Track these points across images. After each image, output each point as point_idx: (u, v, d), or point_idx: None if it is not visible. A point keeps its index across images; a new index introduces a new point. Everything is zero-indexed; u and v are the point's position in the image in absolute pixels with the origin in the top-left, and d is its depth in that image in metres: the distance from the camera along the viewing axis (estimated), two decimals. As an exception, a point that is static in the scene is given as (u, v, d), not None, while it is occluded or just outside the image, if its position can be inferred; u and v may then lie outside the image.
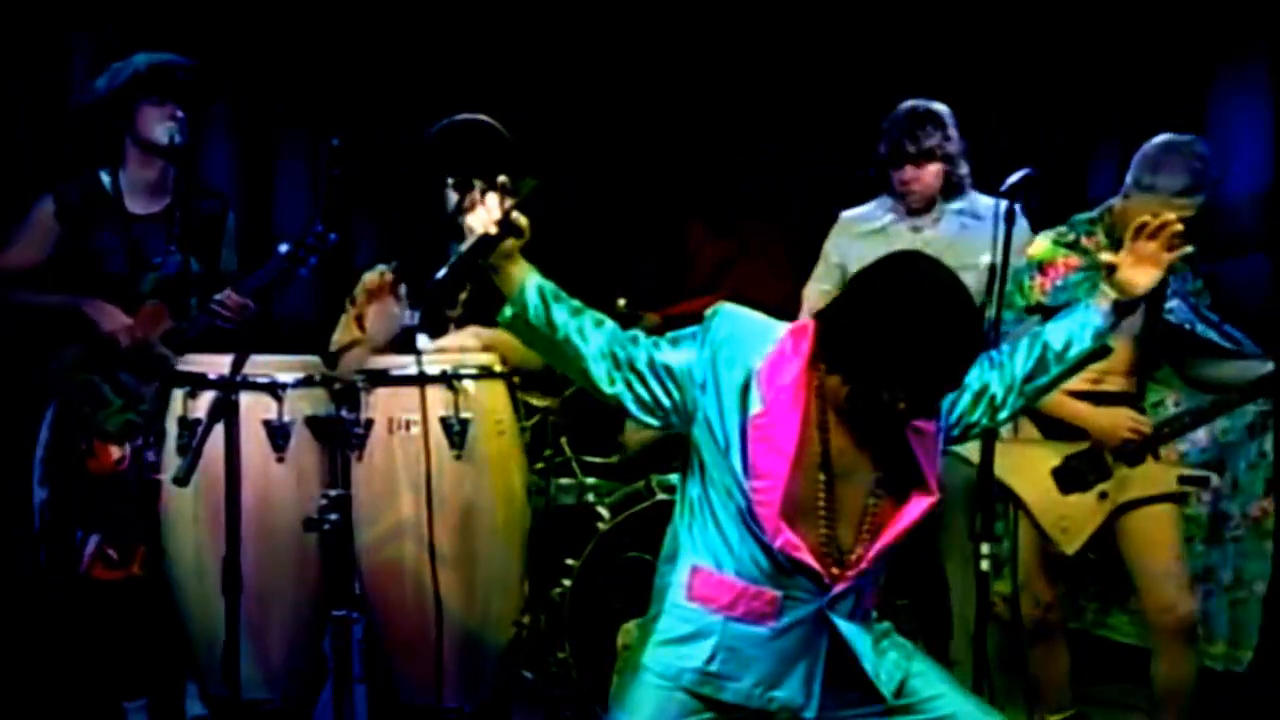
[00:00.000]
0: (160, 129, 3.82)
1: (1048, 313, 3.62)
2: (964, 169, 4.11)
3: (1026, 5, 5.05)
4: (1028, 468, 3.65)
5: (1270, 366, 3.70)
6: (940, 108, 4.07)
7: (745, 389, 2.56)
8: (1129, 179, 3.61)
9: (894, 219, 4.18)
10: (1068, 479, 3.69)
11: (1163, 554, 3.64)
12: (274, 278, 3.69)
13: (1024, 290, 3.69)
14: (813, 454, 2.57)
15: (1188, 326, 3.72)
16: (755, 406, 2.55)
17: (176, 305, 3.87)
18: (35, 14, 4.49)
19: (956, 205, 4.12)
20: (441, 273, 2.68)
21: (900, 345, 2.43)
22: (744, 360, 2.58)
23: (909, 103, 4.09)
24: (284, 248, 3.35)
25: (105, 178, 3.89)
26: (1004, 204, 3.18)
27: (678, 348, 2.63)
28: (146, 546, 3.66)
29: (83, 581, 3.71)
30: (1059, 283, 3.67)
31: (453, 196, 3.79)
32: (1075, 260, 3.67)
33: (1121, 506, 3.66)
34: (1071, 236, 3.71)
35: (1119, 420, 3.64)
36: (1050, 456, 3.70)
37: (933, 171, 4.06)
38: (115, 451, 3.74)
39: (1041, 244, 3.72)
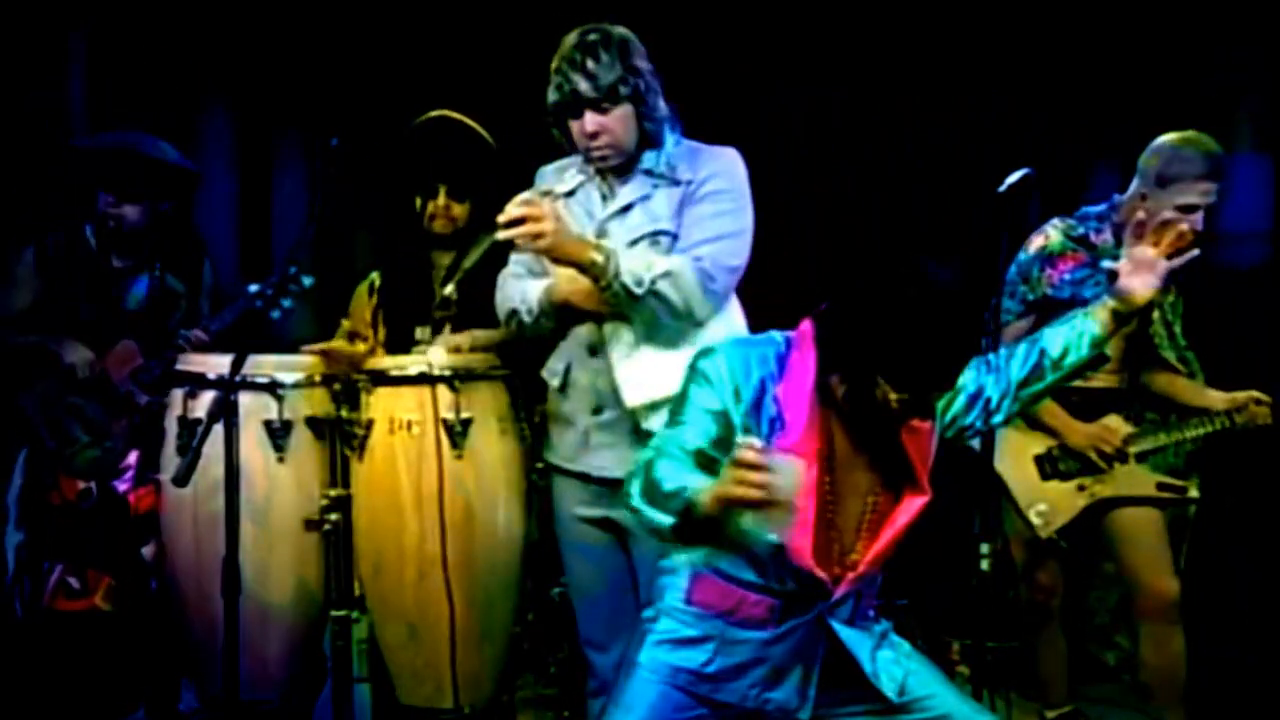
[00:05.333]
0: (112, 218, 3.97)
1: (1045, 310, 3.66)
2: (660, 112, 3.13)
3: (1028, 6, 5.06)
4: (1012, 452, 3.68)
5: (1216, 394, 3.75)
6: (619, 30, 3.10)
7: (766, 412, 2.54)
8: (1143, 181, 3.63)
9: (584, 180, 3.21)
10: (1049, 467, 3.73)
11: (1145, 539, 3.68)
12: (240, 318, 3.75)
13: (1032, 282, 3.70)
14: (820, 460, 2.57)
15: (1155, 341, 3.75)
16: (778, 430, 2.53)
17: (158, 327, 3.96)
18: (33, 19, 4.50)
19: (647, 162, 3.14)
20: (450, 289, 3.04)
21: (895, 340, 2.43)
22: (762, 386, 2.55)
23: (576, 31, 3.12)
24: (253, 288, 3.34)
25: (90, 233, 4.04)
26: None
27: (703, 417, 2.53)
28: (113, 579, 3.69)
29: (46, 613, 3.73)
30: (1065, 277, 3.68)
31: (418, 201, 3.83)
32: (1083, 256, 3.67)
33: (1103, 503, 3.69)
34: (1081, 231, 3.71)
35: (1093, 435, 3.68)
36: (1035, 444, 3.74)
37: (621, 117, 3.09)
38: (79, 484, 3.78)
39: (1053, 236, 3.72)
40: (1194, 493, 3.78)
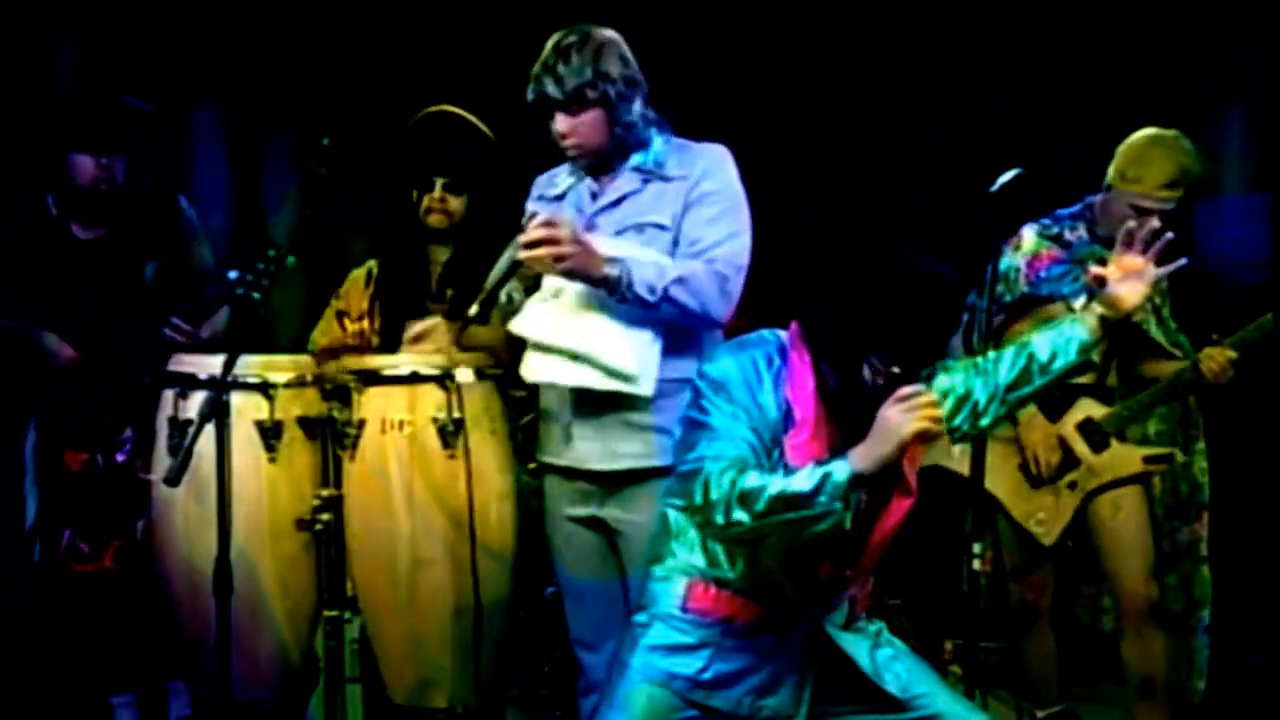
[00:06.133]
0: (88, 178, 3.80)
1: (1025, 309, 3.68)
2: (633, 117, 3.14)
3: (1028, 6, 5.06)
4: (998, 464, 3.69)
5: None
6: (601, 33, 3.11)
7: (781, 409, 2.57)
8: (1112, 172, 3.69)
9: (575, 180, 3.27)
10: (1037, 474, 3.74)
11: (1130, 536, 3.71)
12: (223, 304, 3.65)
13: (1010, 283, 3.75)
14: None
15: (1143, 326, 3.75)
16: (791, 427, 2.55)
17: (167, 310, 3.81)
18: (20, 14, 4.49)
19: (635, 160, 3.18)
20: (474, 310, 2.96)
21: (878, 312, 2.48)
22: (775, 385, 2.57)
23: (559, 33, 3.15)
24: (233, 274, 3.29)
25: (53, 207, 3.88)
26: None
27: (734, 425, 2.54)
28: (120, 541, 3.70)
29: (58, 575, 3.75)
30: (1042, 274, 3.74)
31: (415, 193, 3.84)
32: (1058, 253, 3.75)
33: (1091, 492, 3.70)
34: (1055, 230, 3.78)
35: (1040, 445, 3.72)
36: (1017, 452, 3.74)
37: (589, 121, 3.12)
38: (84, 456, 3.78)
39: (1028, 237, 3.77)
40: (1181, 457, 3.83)
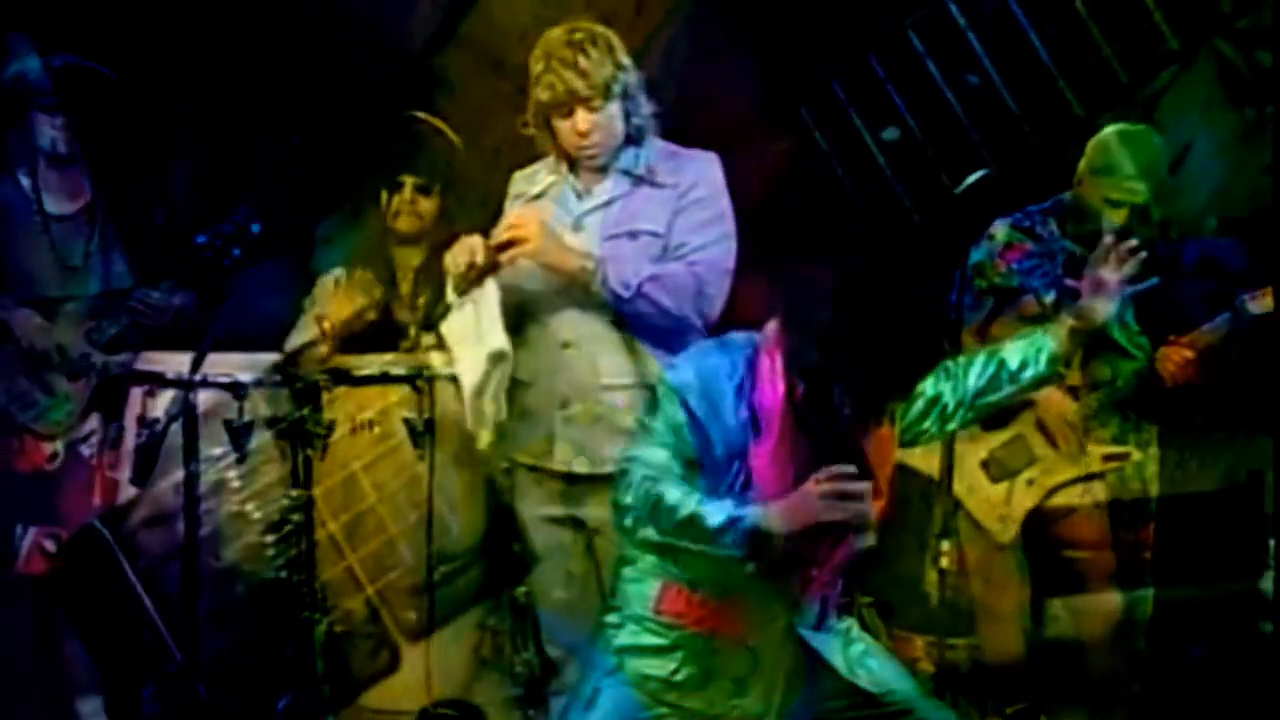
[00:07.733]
0: (45, 136, 3.81)
1: (997, 299, 3.75)
2: (644, 110, 3.11)
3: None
4: (958, 463, 3.69)
5: None
6: (601, 28, 3.09)
7: (741, 418, 2.55)
8: (1082, 166, 3.74)
9: (555, 179, 3.18)
10: (997, 470, 3.76)
11: (1090, 538, 3.70)
12: (193, 271, 3.64)
13: (986, 272, 3.79)
14: (794, 463, 2.55)
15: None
16: (755, 435, 2.54)
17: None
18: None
19: (624, 162, 3.13)
20: None
21: (854, 351, 2.44)
22: (737, 394, 2.55)
23: (561, 29, 3.08)
24: (201, 238, 3.25)
25: (25, 179, 3.88)
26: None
27: (671, 434, 2.53)
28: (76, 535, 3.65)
29: (22, 578, 3.71)
30: (1014, 265, 3.78)
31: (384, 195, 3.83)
32: (1029, 246, 3.80)
33: (1050, 491, 3.73)
34: (1027, 224, 3.83)
35: (1057, 425, 3.74)
36: (977, 450, 3.78)
37: (610, 116, 3.06)
38: (47, 448, 3.75)
39: (1000, 229, 3.82)
40: (1137, 455, 3.82)
